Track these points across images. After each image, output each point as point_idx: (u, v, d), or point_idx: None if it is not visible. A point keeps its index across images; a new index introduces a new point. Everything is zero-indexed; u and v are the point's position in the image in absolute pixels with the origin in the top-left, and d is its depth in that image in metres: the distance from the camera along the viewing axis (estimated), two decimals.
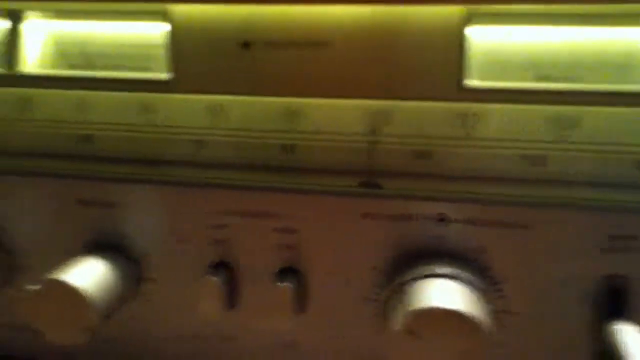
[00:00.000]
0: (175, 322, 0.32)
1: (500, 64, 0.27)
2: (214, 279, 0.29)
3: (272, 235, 0.29)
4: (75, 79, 0.31)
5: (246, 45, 0.28)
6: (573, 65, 0.27)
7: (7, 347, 0.34)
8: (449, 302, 0.25)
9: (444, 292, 0.26)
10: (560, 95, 0.26)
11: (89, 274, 0.28)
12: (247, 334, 0.32)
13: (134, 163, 0.30)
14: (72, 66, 0.32)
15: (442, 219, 0.28)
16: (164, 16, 0.29)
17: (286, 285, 0.29)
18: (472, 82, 0.27)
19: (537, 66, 0.27)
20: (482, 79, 0.27)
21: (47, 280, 0.27)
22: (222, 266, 0.30)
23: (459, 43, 0.26)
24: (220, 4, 0.28)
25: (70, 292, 0.27)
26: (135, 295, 0.32)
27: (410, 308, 0.25)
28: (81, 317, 0.28)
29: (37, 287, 0.28)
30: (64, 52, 0.32)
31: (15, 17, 0.32)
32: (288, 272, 0.30)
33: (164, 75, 0.30)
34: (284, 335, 0.32)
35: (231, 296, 0.31)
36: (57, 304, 0.28)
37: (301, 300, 0.30)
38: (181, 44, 0.29)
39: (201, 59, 0.29)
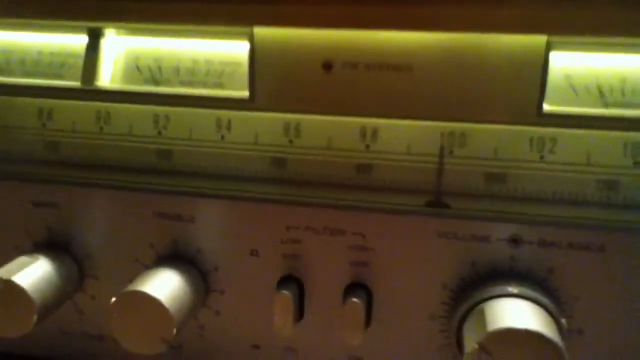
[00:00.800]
0: (240, 332, 0.33)
1: (576, 90, 0.28)
2: (287, 293, 0.30)
3: (346, 252, 0.30)
4: (154, 95, 0.32)
5: (327, 66, 0.29)
6: None
7: (78, 355, 0.35)
8: (527, 323, 0.25)
9: (520, 313, 0.26)
10: (637, 122, 0.27)
11: (166, 286, 0.29)
12: (309, 347, 0.33)
13: (211, 178, 0.31)
14: (147, 81, 0.33)
15: (514, 240, 0.28)
16: (247, 36, 0.30)
17: (358, 301, 0.29)
18: (551, 107, 0.28)
19: (612, 92, 0.28)
20: (558, 104, 0.28)
21: (129, 291, 0.28)
22: (292, 280, 0.31)
23: (541, 69, 0.27)
24: (303, 27, 0.29)
25: (151, 304, 0.28)
26: (201, 306, 0.32)
27: (488, 328, 0.25)
28: (160, 328, 0.28)
29: (118, 297, 0.28)
30: (140, 67, 0.33)
31: (95, 33, 0.33)
32: (356, 287, 0.31)
33: (243, 93, 0.31)
34: (347, 350, 0.32)
35: (298, 310, 0.31)
36: (137, 315, 0.28)
37: (367, 315, 0.31)
38: (261, 63, 0.30)
39: (281, 78, 0.30)
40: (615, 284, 0.28)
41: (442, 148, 0.29)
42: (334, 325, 0.31)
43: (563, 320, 0.28)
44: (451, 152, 0.29)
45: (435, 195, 0.29)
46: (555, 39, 0.27)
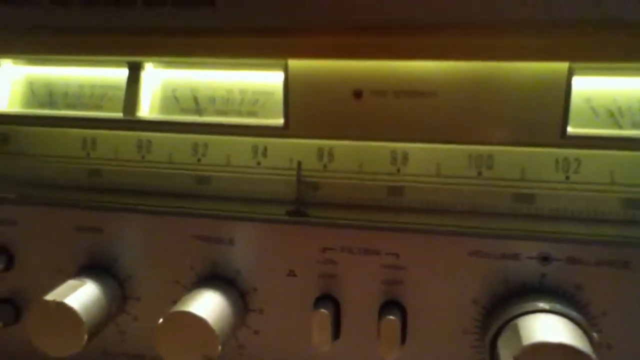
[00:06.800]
0: (279, 350, 0.34)
1: (596, 112, 0.29)
2: (325, 312, 0.31)
3: (380, 271, 0.31)
4: (194, 124, 0.33)
5: (357, 94, 0.31)
6: None
7: None
8: (561, 337, 0.26)
9: (553, 327, 0.27)
10: None
11: (210, 306, 0.30)
12: None
13: (248, 202, 0.32)
14: (184, 110, 0.35)
15: (544, 258, 0.30)
16: (281, 67, 0.32)
17: (395, 319, 0.30)
18: (574, 129, 0.29)
19: (632, 114, 0.29)
20: (580, 125, 0.29)
21: (175, 312, 0.30)
22: (328, 299, 0.32)
23: (565, 94, 0.28)
24: (335, 58, 0.30)
25: (197, 323, 0.29)
26: (241, 325, 0.34)
27: (523, 342, 0.26)
28: (204, 346, 0.30)
29: (165, 317, 0.30)
30: (177, 98, 0.35)
31: (135, 67, 0.34)
32: (391, 305, 0.32)
33: (278, 121, 0.32)
34: None
35: (335, 328, 0.32)
36: (183, 334, 0.30)
37: (402, 332, 0.32)
38: (295, 92, 0.32)
39: (314, 106, 0.31)
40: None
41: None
42: (369, 342, 0.32)
43: (595, 334, 0.28)
44: (479, 173, 0.30)
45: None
46: (577, 65, 0.28)
